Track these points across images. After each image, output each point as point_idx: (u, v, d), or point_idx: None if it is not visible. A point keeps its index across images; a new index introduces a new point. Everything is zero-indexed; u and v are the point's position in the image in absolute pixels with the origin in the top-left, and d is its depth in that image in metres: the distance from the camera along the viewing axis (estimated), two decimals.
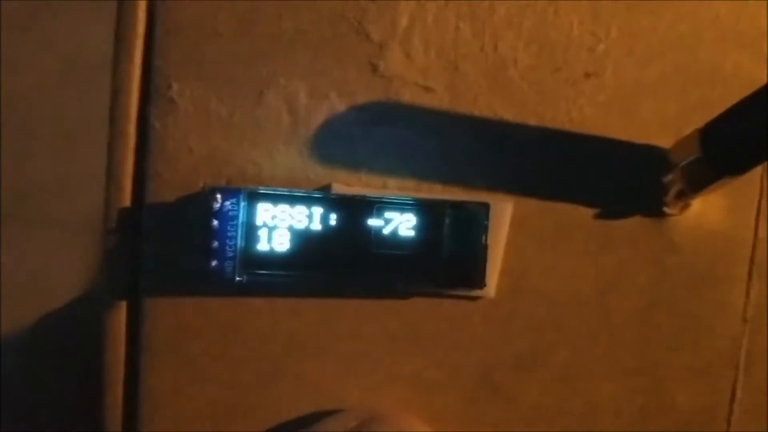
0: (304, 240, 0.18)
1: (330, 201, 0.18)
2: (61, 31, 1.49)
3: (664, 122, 0.20)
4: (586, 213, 0.21)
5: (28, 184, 1.34)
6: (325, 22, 0.19)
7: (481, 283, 0.19)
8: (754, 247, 0.21)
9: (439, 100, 0.19)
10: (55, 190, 1.33)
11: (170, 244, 0.20)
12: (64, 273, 1.26)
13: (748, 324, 0.22)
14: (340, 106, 0.19)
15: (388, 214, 0.18)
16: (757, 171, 0.21)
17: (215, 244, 0.17)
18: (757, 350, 0.22)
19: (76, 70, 1.43)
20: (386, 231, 0.19)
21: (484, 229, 0.19)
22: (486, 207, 0.18)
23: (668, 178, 0.20)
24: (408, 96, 0.19)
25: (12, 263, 1.23)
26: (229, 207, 0.17)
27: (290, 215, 0.18)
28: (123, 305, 0.19)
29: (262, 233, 0.18)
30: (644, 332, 0.21)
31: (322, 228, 0.18)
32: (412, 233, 0.19)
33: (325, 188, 0.19)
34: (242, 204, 0.18)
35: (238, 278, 0.18)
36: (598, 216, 0.21)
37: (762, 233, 0.22)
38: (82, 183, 1.37)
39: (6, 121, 1.33)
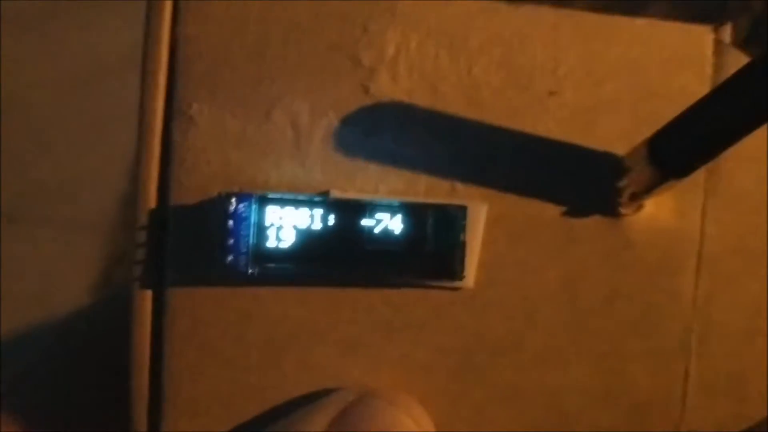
0: (306, 237, 0.20)
1: (329, 204, 0.19)
2: (68, 33, 1.49)
3: (618, 134, 0.22)
4: (552, 213, 0.22)
5: (32, 185, 1.35)
6: (324, 50, 0.21)
7: (460, 275, 0.20)
8: (701, 242, 0.23)
9: (422, 116, 0.21)
10: (59, 190, 1.34)
11: (191, 242, 0.21)
12: (68, 273, 1.26)
13: (698, 311, 0.23)
14: (337, 122, 0.21)
15: (378, 215, 0.20)
16: (701, 174, 0.23)
17: (231, 241, 0.19)
18: (707, 334, 0.23)
19: (82, 72, 1.44)
20: (377, 230, 0.20)
21: (463, 228, 0.20)
22: (464, 209, 0.20)
23: (622, 182, 0.21)
24: (395, 113, 0.21)
25: (16, 263, 1.23)
26: (242, 209, 0.19)
27: (295, 216, 0.19)
28: (149, 296, 0.21)
29: (271, 232, 0.19)
30: (606, 319, 0.22)
31: (322, 227, 0.20)
32: (399, 232, 0.20)
33: (324, 193, 0.20)
34: (253, 207, 0.19)
35: (250, 271, 0.19)
36: (562, 215, 0.22)
37: (707, 229, 0.23)
38: (86, 184, 1.38)
39: (10, 121, 1.34)
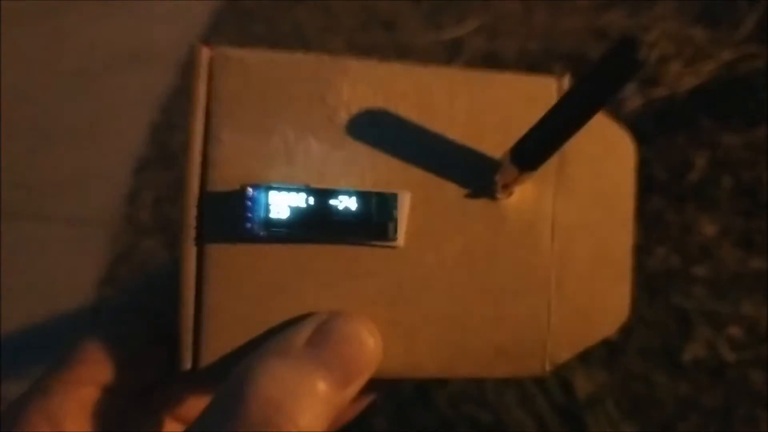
0: (296, 212, 0.26)
1: (310, 191, 0.26)
2: (70, 30, 1.44)
3: (495, 145, 0.28)
4: (455, 196, 0.28)
5: (37, 182, 1.31)
6: (303, 95, 0.28)
7: (394, 237, 0.27)
8: (553, 215, 0.29)
9: (367, 135, 0.28)
10: (63, 187, 1.31)
11: (221, 216, 0.27)
12: (73, 269, 1.23)
13: (554, 262, 0.29)
14: (312, 141, 0.27)
15: (341, 198, 0.26)
16: (552, 170, 0.29)
17: (248, 215, 0.26)
18: (562, 278, 0.29)
19: (85, 68, 1.40)
20: (340, 207, 0.26)
21: (395, 207, 0.27)
22: (395, 195, 0.27)
23: (497, 176, 0.28)
24: (350, 134, 0.28)
25: (21, 259, 1.20)
26: (255, 194, 0.26)
27: (288, 199, 0.26)
28: (193, 252, 0.27)
29: (273, 208, 0.26)
30: (492, 268, 0.29)
31: (306, 205, 0.26)
32: (355, 209, 0.26)
33: (307, 185, 0.26)
34: (262, 193, 0.26)
35: (261, 233, 0.26)
36: (462, 198, 0.28)
37: (557, 207, 0.29)
38: (90, 181, 1.34)
39: (13, 118, 1.30)
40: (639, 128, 1.39)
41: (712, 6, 1.65)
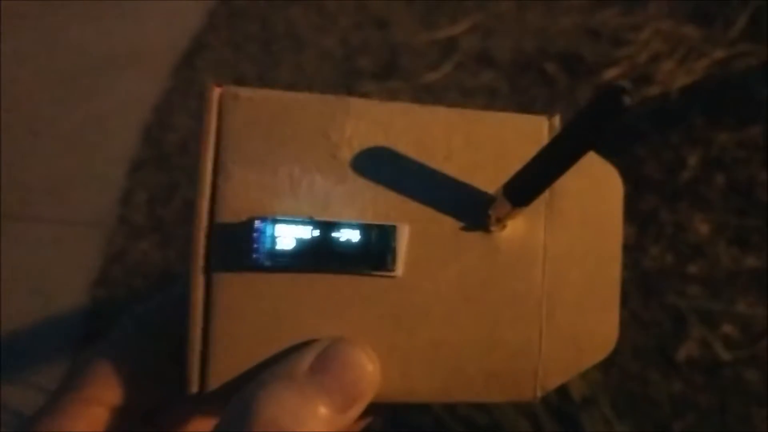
0: (300, 243, 0.27)
1: (314, 223, 0.27)
2: (66, 31, 1.43)
3: (489, 181, 0.29)
4: (451, 229, 0.29)
5: (30, 184, 1.30)
6: (308, 132, 0.29)
7: (392, 267, 0.28)
8: (544, 247, 0.30)
9: (368, 171, 0.29)
10: (57, 189, 1.30)
11: (229, 246, 0.28)
12: (67, 271, 1.23)
13: (545, 292, 0.30)
14: (316, 176, 0.28)
15: (343, 230, 0.27)
16: (542, 205, 0.30)
17: (255, 246, 0.27)
18: (552, 308, 0.30)
19: (79, 70, 1.39)
20: (342, 239, 0.27)
21: (394, 239, 0.28)
22: (394, 227, 0.28)
23: (491, 210, 0.29)
24: (352, 169, 0.29)
25: (15, 261, 1.20)
26: (262, 226, 0.27)
27: (293, 230, 0.27)
28: (202, 280, 0.28)
29: (279, 240, 0.27)
30: (486, 297, 0.29)
31: (310, 237, 0.27)
32: (356, 240, 0.27)
33: (310, 217, 0.27)
34: (269, 225, 0.27)
35: (267, 263, 0.27)
36: (458, 230, 0.29)
37: (548, 240, 0.30)
38: (84, 183, 1.33)
39: (7, 120, 1.30)
40: (632, 127, 1.40)
41: (705, 4, 1.66)
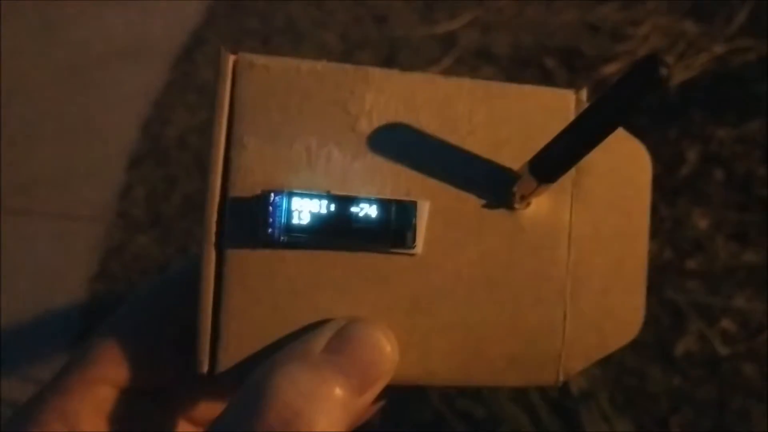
0: (317, 218, 0.26)
1: (331, 198, 0.26)
2: (65, 25, 1.44)
3: (513, 157, 0.28)
4: (473, 207, 0.28)
5: (29, 178, 1.31)
6: (326, 104, 0.28)
7: (412, 245, 0.27)
8: (569, 227, 0.29)
9: (387, 145, 0.28)
10: (55, 183, 1.30)
11: (242, 221, 0.27)
12: (66, 265, 1.23)
13: (570, 274, 0.29)
14: (334, 149, 0.28)
15: (362, 206, 0.26)
16: (568, 182, 0.29)
17: (270, 220, 0.26)
18: (576, 290, 0.29)
19: (78, 64, 1.40)
20: (361, 215, 0.26)
21: (414, 215, 0.27)
22: (414, 203, 0.27)
23: (515, 188, 0.28)
24: (371, 143, 0.28)
25: (13, 256, 1.20)
26: (278, 200, 0.26)
27: (310, 205, 0.26)
28: (213, 256, 0.27)
29: (295, 215, 0.26)
30: (508, 278, 0.29)
31: (326, 212, 0.26)
32: (374, 216, 0.27)
33: (327, 192, 0.26)
34: (284, 199, 0.26)
35: (282, 239, 0.26)
36: (480, 208, 0.28)
37: (573, 219, 0.29)
38: (82, 177, 1.34)
39: (6, 114, 1.30)
40: (631, 122, 1.39)
41: (703, 2, 1.66)
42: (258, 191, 0.27)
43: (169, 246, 1.38)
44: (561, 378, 0.29)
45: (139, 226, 1.39)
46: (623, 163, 0.30)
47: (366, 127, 0.28)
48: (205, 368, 0.27)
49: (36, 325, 1.14)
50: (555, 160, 0.26)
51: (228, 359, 0.27)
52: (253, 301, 0.27)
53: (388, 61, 1.70)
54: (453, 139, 0.29)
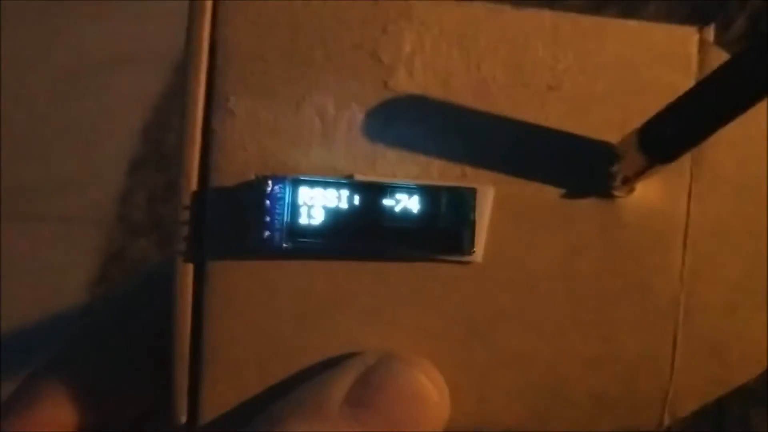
0: (334, 215, 0.21)
1: (354, 185, 0.21)
2: (65, 30, 1.49)
3: (611, 124, 0.23)
4: (552, 195, 0.23)
5: (28, 182, 1.35)
6: (348, 49, 0.23)
7: (470, 251, 0.22)
8: (686, 221, 0.24)
9: (435, 108, 0.23)
10: (55, 187, 1.35)
11: (228, 220, 0.22)
12: (65, 269, 1.27)
13: (685, 285, 0.24)
14: (359, 113, 0.23)
15: (398, 196, 0.21)
16: (687, 160, 0.24)
17: (267, 219, 0.21)
18: (692, 306, 0.24)
19: (78, 68, 1.45)
20: (396, 209, 0.21)
21: (472, 208, 0.22)
22: (473, 190, 0.22)
23: (615, 167, 0.23)
24: (411, 105, 0.23)
25: (13, 260, 1.23)
26: (278, 190, 0.21)
27: (324, 196, 0.21)
28: (190, 269, 0.22)
29: (303, 210, 0.21)
30: (600, 292, 0.23)
31: (348, 206, 0.21)
32: (416, 211, 0.21)
33: (349, 176, 0.22)
34: (287, 188, 0.21)
35: (284, 245, 0.21)
36: (561, 197, 0.23)
37: (693, 210, 0.24)
38: (82, 180, 1.39)
39: (7, 118, 1.34)
40: None
41: (704, 5, 1.68)
42: (251, 177, 0.22)
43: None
44: (666, 422, 0.25)
45: (139, 230, 1.41)
46: (757, 138, 0.25)
47: (405, 81, 0.23)
48: (184, 417, 0.23)
49: (36, 328, 1.16)
50: (676, 132, 0.21)
51: (212, 407, 0.23)
52: (245, 329, 0.22)
53: None
54: (527, 97, 0.23)
